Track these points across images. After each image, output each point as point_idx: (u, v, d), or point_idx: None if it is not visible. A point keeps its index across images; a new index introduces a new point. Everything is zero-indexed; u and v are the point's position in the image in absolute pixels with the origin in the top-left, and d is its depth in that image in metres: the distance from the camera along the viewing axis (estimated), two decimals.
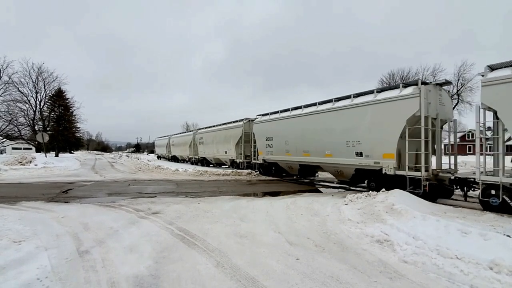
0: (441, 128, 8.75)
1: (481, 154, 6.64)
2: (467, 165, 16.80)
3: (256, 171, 16.68)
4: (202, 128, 25.16)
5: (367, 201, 6.61)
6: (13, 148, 38.60)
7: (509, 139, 6.97)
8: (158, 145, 42.55)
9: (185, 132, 31.00)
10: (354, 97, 9.87)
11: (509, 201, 6.06)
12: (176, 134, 34.16)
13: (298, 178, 14.36)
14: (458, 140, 9.67)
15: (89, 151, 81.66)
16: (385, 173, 8.43)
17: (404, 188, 7.41)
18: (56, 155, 31.83)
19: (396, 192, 6.68)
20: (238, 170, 17.12)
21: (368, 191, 7.46)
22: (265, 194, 9.32)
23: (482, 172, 6.48)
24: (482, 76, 6.49)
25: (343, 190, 10.38)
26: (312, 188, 11.11)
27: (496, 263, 3.20)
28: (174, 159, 33.39)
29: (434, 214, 5.49)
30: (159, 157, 42.56)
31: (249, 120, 17.61)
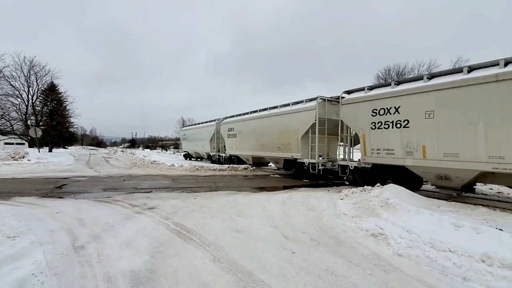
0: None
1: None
2: None
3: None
4: (355, 91, 9.53)
5: (362, 195, 6.68)
6: (6, 143, 37.96)
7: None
8: (189, 138, 25.90)
9: (274, 108, 13.90)
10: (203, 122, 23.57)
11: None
12: (239, 115, 17.18)
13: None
14: None
15: (83, 146, 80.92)
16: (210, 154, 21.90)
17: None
18: (50, 150, 31.51)
19: (391, 186, 6.76)
20: (235, 166, 16.62)
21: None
22: (262, 189, 9.34)
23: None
24: (343, 98, 9.80)
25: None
26: (308, 183, 11.17)
27: (488, 256, 3.26)
28: (235, 161, 18.11)
29: (428, 208, 5.57)
30: (187, 157, 26.94)
31: None
